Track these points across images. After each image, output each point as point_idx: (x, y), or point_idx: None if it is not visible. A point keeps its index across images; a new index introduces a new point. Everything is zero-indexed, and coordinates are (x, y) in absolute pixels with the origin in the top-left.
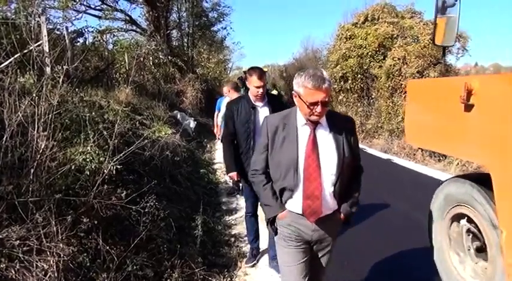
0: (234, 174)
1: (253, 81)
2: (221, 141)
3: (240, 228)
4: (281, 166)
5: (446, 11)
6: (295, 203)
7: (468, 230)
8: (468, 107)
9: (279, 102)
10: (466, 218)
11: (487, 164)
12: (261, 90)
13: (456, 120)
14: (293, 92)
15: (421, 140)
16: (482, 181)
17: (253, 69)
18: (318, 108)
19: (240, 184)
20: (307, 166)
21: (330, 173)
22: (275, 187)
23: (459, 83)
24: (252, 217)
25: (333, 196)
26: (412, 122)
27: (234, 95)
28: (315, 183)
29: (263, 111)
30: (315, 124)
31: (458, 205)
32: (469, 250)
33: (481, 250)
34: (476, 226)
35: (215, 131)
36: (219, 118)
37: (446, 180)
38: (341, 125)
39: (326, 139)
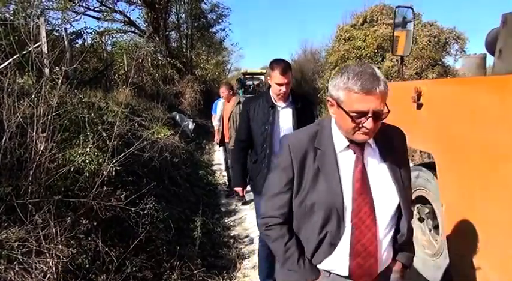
0: (239, 189)
1: (274, 77)
2: (219, 145)
3: (239, 229)
4: (315, 211)
5: (406, 25)
6: (337, 263)
7: (428, 212)
8: (418, 106)
9: (308, 104)
10: (426, 203)
11: (432, 150)
12: (283, 89)
13: (410, 116)
14: (328, 99)
15: (424, 143)
16: (434, 167)
17: (276, 63)
18: (368, 123)
19: (246, 198)
20: (357, 210)
21: (387, 219)
22: (304, 242)
23: (411, 87)
24: (268, 249)
25: (391, 249)
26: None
27: (230, 97)
28: (368, 234)
29: (285, 114)
30: (362, 147)
31: (419, 189)
32: (430, 230)
33: (437, 227)
34: (432, 207)
35: (215, 136)
36: (215, 121)
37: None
38: (393, 143)
39: (378, 168)
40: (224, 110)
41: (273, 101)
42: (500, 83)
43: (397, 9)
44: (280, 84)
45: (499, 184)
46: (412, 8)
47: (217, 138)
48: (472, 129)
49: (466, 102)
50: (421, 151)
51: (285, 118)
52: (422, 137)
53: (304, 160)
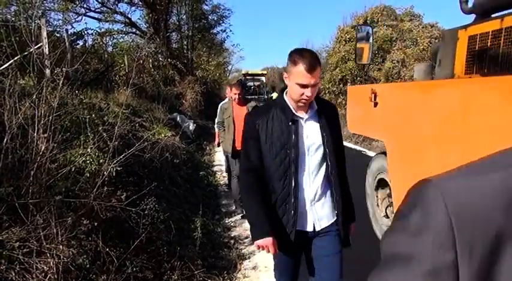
0: (268, 241)
1: (296, 76)
2: (218, 145)
3: (240, 230)
4: None
5: (368, 39)
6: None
7: (388, 193)
8: (375, 104)
9: (333, 111)
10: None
11: (383, 138)
12: (308, 93)
13: (368, 112)
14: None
15: (355, 127)
16: None
17: (300, 54)
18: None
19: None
20: None
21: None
22: None
23: (369, 89)
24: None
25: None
26: (350, 116)
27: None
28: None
29: (309, 128)
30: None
31: (379, 173)
32: (387, 207)
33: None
34: (390, 187)
35: (216, 139)
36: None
37: (373, 156)
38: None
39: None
40: (235, 114)
41: (293, 111)
42: (432, 86)
43: (358, 27)
44: (304, 86)
45: (426, 161)
46: (371, 27)
47: (217, 141)
48: (409, 121)
49: (406, 101)
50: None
51: (312, 135)
52: (377, 128)
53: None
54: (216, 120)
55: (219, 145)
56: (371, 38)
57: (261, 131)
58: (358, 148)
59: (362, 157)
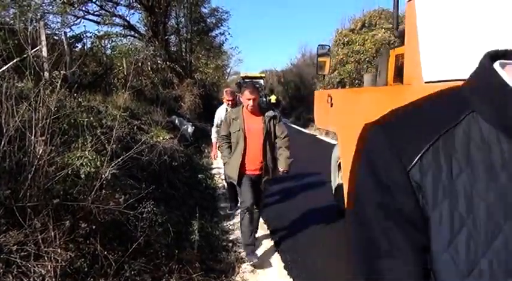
0: None
1: None
2: (215, 158)
3: (238, 233)
4: None
5: (328, 55)
6: None
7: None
8: (331, 105)
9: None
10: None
11: (336, 130)
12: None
13: (327, 111)
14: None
15: (319, 123)
16: None
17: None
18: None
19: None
20: None
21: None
22: None
23: (327, 93)
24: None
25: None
26: (316, 114)
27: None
28: None
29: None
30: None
31: (339, 158)
32: None
33: None
34: None
35: (212, 151)
36: (213, 133)
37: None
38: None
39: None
40: (247, 127)
41: None
42: (369, 91)
43: (320, 46)
44: None
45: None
46: (329, 46)
47: (214, 153)
48: (353, 118)
49: (351, 103)
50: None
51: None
52: (332, 123)
53: None
54: (214, 129)
55: (216, 157)
56: (330, 54)
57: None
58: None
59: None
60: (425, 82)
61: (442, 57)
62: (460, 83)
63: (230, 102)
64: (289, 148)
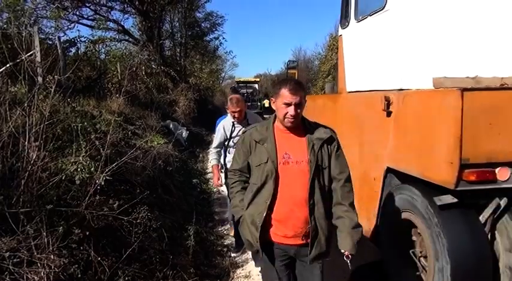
0: None
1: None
2: (219, 184)
3: (233, 238)
4: None
5: (296, 68)
6: None
7: None
8: (315, 107)
9: None
10: None
11: None
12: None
13: (310, 113)
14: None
15: None
16: None
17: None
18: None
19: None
20: None
21: None
22: None
23: (310, 98)
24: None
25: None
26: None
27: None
28: None
29: None
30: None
31: None
32: None
33: None
34: None
35: (215, 180)
36: (211, 154)
37: None
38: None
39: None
40: (283, 161)
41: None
42: (322, 98)
43: (289, 61)
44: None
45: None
46: (297, 61)
47: (217, 178)
48: (312, 117)
49: (314, 106)
50: None
51: None
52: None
53: None
54: (214, 150)
55: (220, 183)
56: (297, 67)
57: None
58: None
59: None
60: (348, 92)
61: (357, 76)
62: (366, 92)
63: (236, 115)
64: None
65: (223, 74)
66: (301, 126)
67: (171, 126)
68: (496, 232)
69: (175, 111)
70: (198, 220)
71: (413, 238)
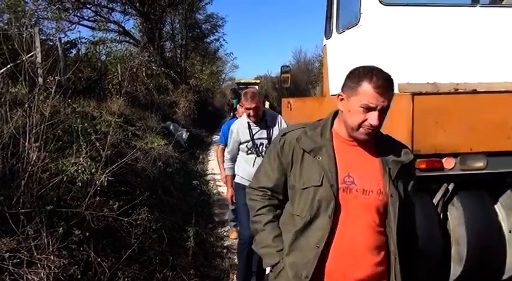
0: None
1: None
2: (232, 202)
3: (233, 239)
4: None
5: (289, 72)
6: None
7: None
8: (291, 109)
9: None
10: None
11: None
12: None
13: (289, 114)
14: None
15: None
16: None
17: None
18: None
19: None
20: None
21: None
22: None
23: (287, 100)
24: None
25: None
26: (287, 115)
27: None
28: None
29: None
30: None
31: None
32: None
33: None
34: None
35: (228, 195)
36: (227, 160)
37: None
38: None
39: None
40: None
41: None
42: (310, 100)
43: (282, 66)
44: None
45: None
46: (290, 66)
47: (231, 194)
48: (303, 117)
49: (303, 107)
50: None
51: None
52: (294, 120)
53: None
54: (228, 155)
55: (233, 202)
56: (290, 72)
57: None
58: None
59: None
60: (331, 95)
61: (338, 81)
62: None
63: (252, 113)
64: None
65: (224, 76)
66: (373, 137)
67: (171, 127)
68: (447, 212)
69: (175, 112)
70: (198, 222)
71: None
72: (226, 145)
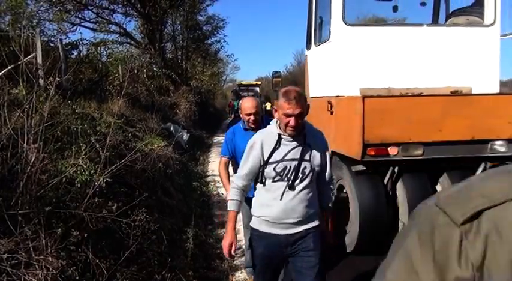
0: None
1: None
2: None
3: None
4: None
5: (280, 76)
6: None
7: None
8: (275, 111)
9: None
10: None
11: None
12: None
13: (277, 116)
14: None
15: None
16: None
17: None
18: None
19: None
20: None
21: None
22: None
23: (277, 101)
24: None
25: None
26: (275, 117)
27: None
28: None
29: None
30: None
31: None
32: None
33: None
34: None
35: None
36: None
37: None
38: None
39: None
40: None
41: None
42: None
43: (273, 72)
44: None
45: None
46: (280, 72)
47: (228, 248)
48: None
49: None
50: None
51: None
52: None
53: None
54: (240, 182)
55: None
56: (281, 76)
57: None
58: None
59: None
60: (311, 97)
61: (315, 86)
62: (320, 98)
63: (292, 123)
64: None
65: (225, 77)
66: None
67: (171, 129)
68: (396, 191)
69: (176, 114)
70: (198, 223)
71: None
72: (231, 158)
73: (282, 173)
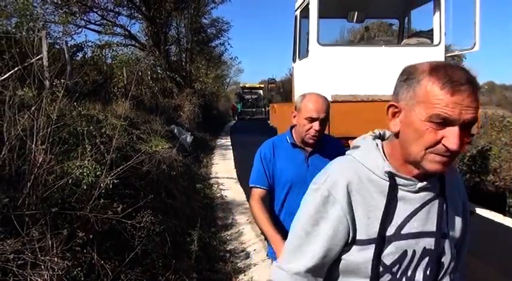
0: None
1: None
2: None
3: (236, 244)
4: None
5: (275, 83)
6: None
7: None
8: (275, 112)
9: None
10: None
11: (277, 126)
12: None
13: (274, 115)
14: None
15: (271, 122)
16: None
17: None
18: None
19: None
20: None
21: None
22: None
23: (272, 105)
24: None
25: None
26: (272, 117)
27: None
28: None
29: None
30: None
31: None
32: None
33: None
34: None
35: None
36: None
37: None
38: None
39: None
40: None
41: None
42: (286, 105)
43: (269, 79)
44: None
45: None
46: (274, 79)
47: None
48: (283, 119)
49: (283, 111)
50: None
51: None
52: (275, 122)
53: None
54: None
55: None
56: (275, 83)
57: None
58: None
59: None
60: None
61: (300, 92)
62: None
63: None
64: None
65: (228, 80)
66: None
67: (175, 131)
68: None
69: (180, 116)
70: (201, 225)
71: None
72: (270, 191)
73: (393, 267)
